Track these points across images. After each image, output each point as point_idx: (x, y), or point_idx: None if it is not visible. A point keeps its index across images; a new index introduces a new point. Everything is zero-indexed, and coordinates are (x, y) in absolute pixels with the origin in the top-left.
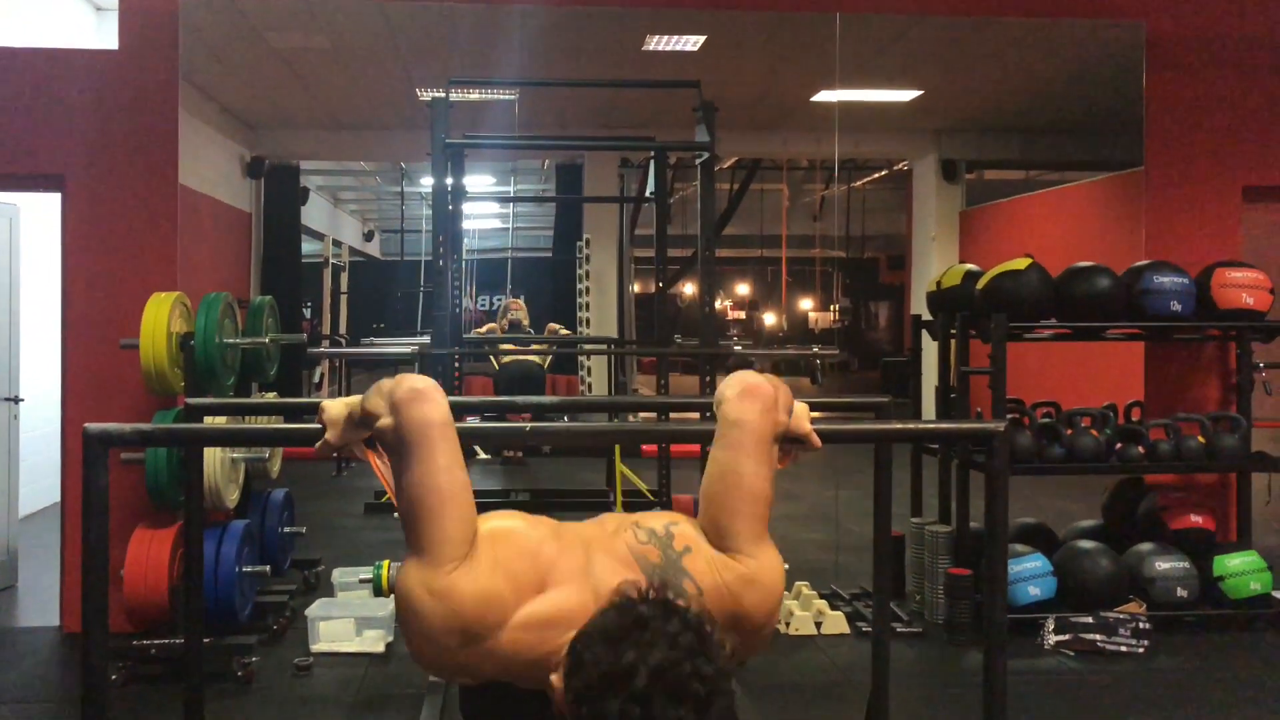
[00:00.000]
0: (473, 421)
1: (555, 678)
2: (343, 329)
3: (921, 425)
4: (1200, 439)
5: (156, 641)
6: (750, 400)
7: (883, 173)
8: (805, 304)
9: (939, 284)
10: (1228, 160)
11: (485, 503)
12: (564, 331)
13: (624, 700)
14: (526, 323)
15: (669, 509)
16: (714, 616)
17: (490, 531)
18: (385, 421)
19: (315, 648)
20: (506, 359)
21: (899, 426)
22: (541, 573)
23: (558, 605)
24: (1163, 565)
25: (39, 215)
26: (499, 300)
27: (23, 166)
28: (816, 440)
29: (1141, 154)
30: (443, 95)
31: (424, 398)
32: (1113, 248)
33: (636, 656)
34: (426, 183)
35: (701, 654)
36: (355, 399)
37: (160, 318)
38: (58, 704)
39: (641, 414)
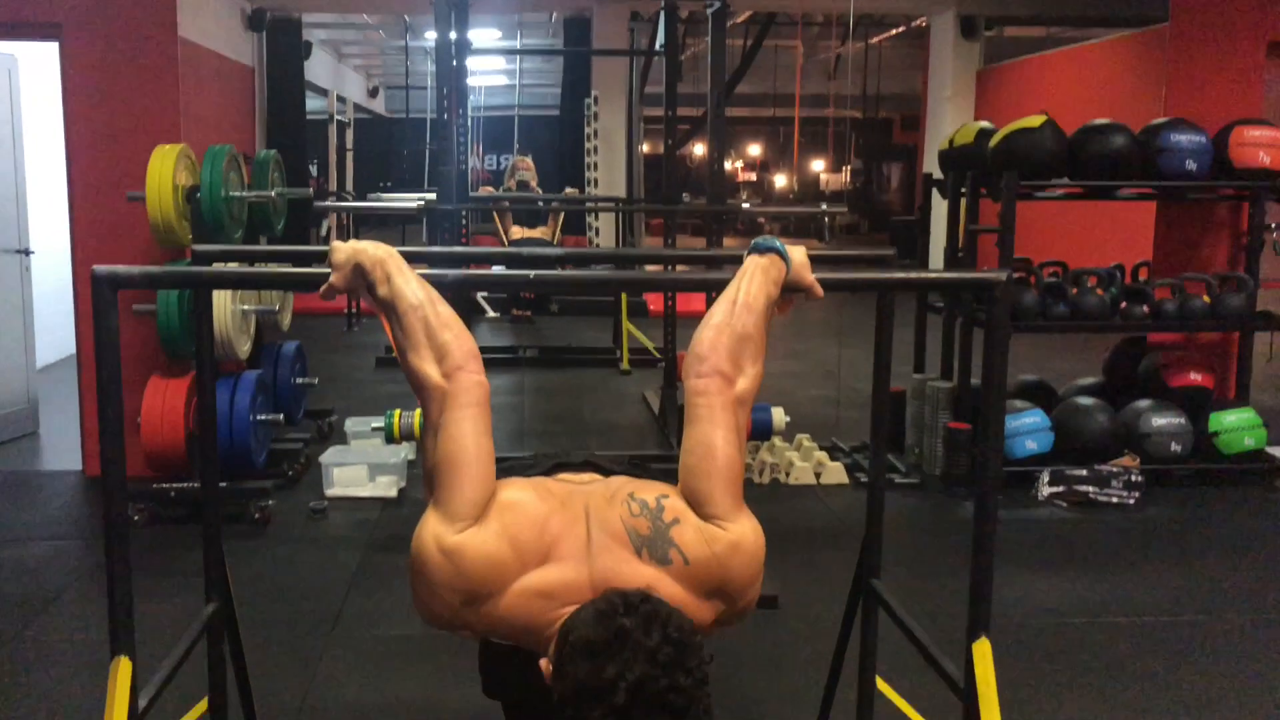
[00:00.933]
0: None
1: (545, 663)
2: (349, 186)
3: (923, 274)
4: (1205, 298)
5: (176, 485)
6: (709, 377)
7: (900, 29)
8: (817, 165)
9: (951, 142)
10: (1254, 14)
11: (495, 359)
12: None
13: (603, 713)
14: (535, 184)
15: (675, 367)
16: (696, 596)
17: (504, 500)
18: (435, 379)
19: (330, 492)
20: (515, 237)
21: (900, 275)
22: (546, 545)
23: (557, 579)
24: (1159, 421)
25: (37, 64)
26: (506, 159)
27: (18, 14)
28: (819, 290)
29: (1165, 10)
30: None
31: (475, 378)
32: (1133, 107)
33: (616, 673)
34: (431, 37)
35: (680, 667)
36: (367, 248)
37: (165, 170)
38: (84, 541)
39: (648, 267)
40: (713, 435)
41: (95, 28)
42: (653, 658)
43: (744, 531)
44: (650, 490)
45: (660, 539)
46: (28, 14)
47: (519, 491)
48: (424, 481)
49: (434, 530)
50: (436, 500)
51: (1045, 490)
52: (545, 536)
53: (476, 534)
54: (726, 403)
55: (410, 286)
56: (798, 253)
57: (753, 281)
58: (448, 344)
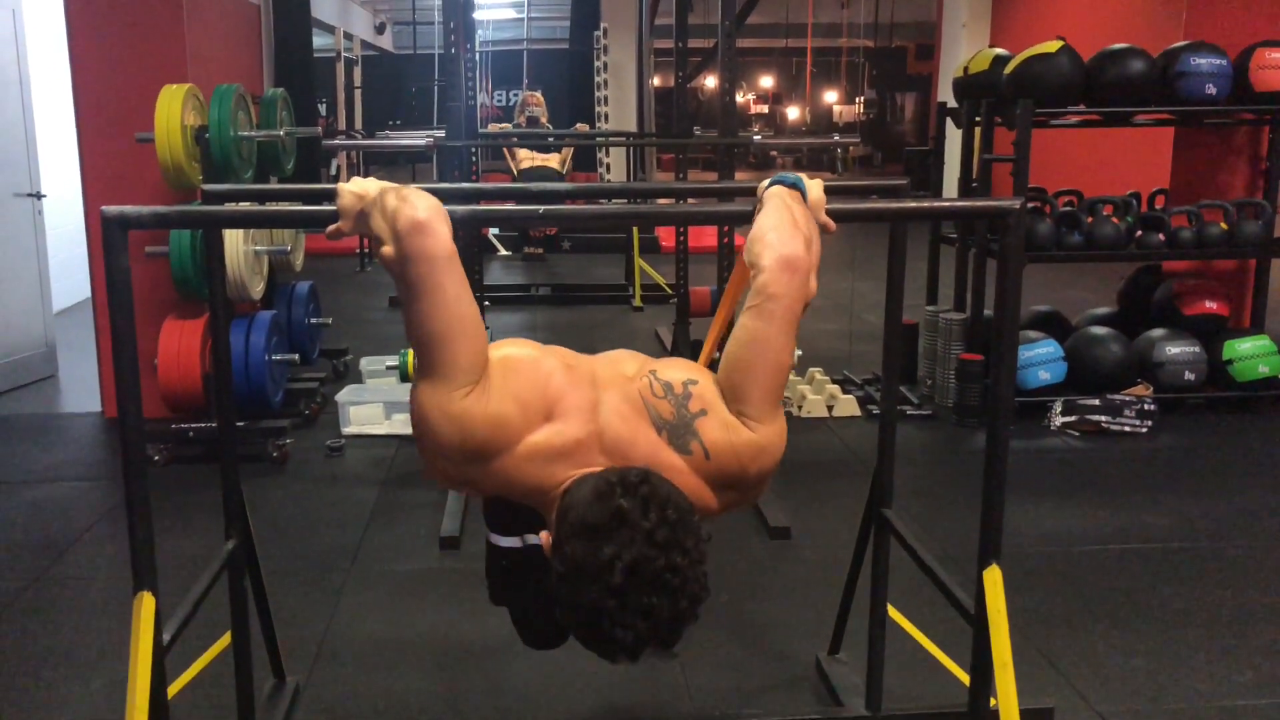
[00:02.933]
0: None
1: (545, 535)
2: (358, 125)
3: (935, 204)
4: (1223, 226)
5: (194, 425)
6: (790, 274)
7: None
8: (830, 97)
9: (966, 69)
10: None
11: (507, 297)
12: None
13: (600, 592)
14: (545, 119)
15: (687, 303)
16: (708, 487)
17: (502, 358)
18: (388, 250)
19: (346, 430)
20: (524, 164)
21: (912, 205)
22: (550, 403)
23: (562, 438)
24: (1173, 349)
25: (47, 8)
26: (516, 95)
27: None
28: (831, 224)
29: None
30: None
31: (425, 230)
32: (1153, 31)
33: (613, 553)
34: None
35: (677, 547)
36: (369, 187)
37: (173, 110)
38: (105, 481)
39: (659, 201)
40: (772, 335)
41: None
42: (650, 538)
43: (771, 435)
44: (675, 371)
45: (684, 428)
46: None
47: (517, 349)
48: (412, 349)
49: (435, 399)
50: (431, 369)
51: (1058, 420)
52: (549, 393)
53: (479, 397)
54: (797, 303)
55: (388, 196)
56: (815, 187)
57: (801, 208)
58: (397, 208)
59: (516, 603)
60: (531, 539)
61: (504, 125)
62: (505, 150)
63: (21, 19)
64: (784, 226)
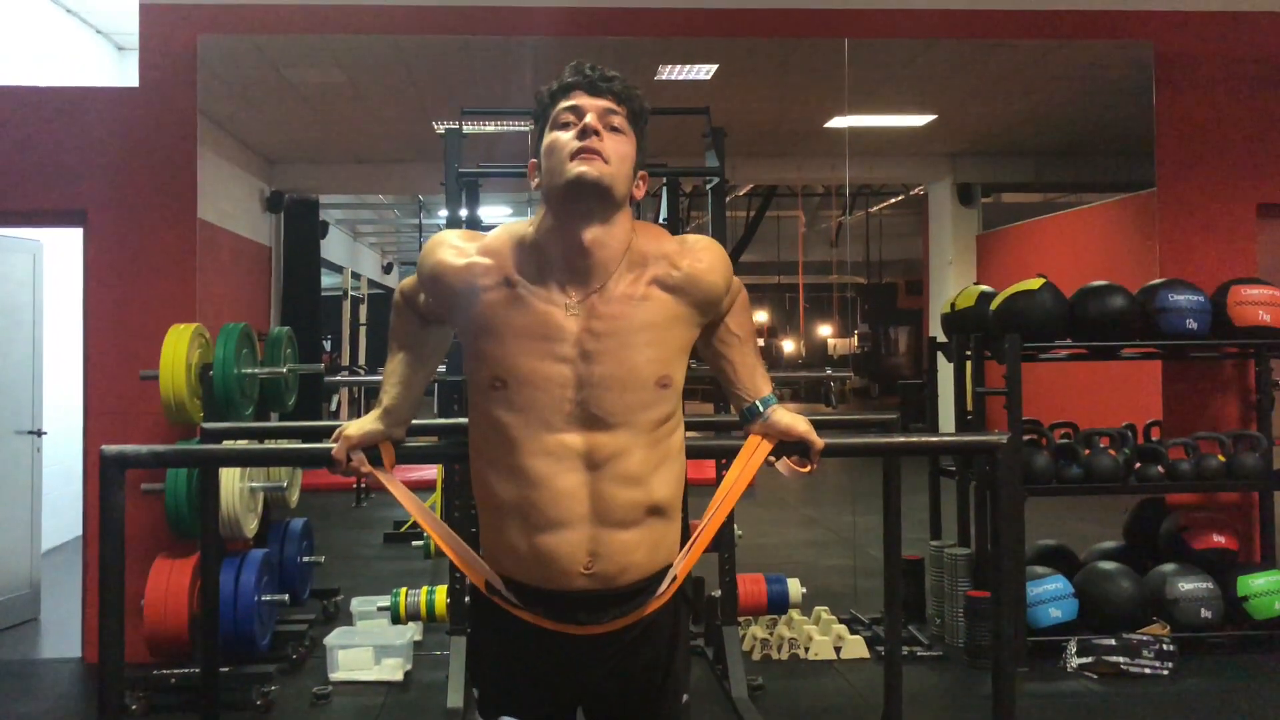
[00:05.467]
0: None
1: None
2: (361, 360)
3: (924, 439)
4: (1220, 458)
5: (176, 671)
6: (739, 287)
7: (899, 198)
8: (824, 330)
9: (953, 305)
10: (1242, 178)
11: None
12: None
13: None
14: None
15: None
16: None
17: None
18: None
19: (334, 676)
20: None
21: (902, 440)
22: None
23: None
24: (1186, 586)
25: (59, 249)
26: None
27: (47, 203)
28: (818, 440)
29: (1153, 175)
30: (456, 126)
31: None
32: (1130, 268)
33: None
34: (444, 215)
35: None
36: (350, 434)
37: (179, 348)
38: None
39: None
40: (746, 323)
41: (119, 214)
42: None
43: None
44: None
45: None
46: (55, 202)
47: None
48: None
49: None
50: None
51: (1074, 661)
52: None
53: None
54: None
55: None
56: (801, 424)
57: None
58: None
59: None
60: None
61: None
62: None
63: (41, 262)
64: None
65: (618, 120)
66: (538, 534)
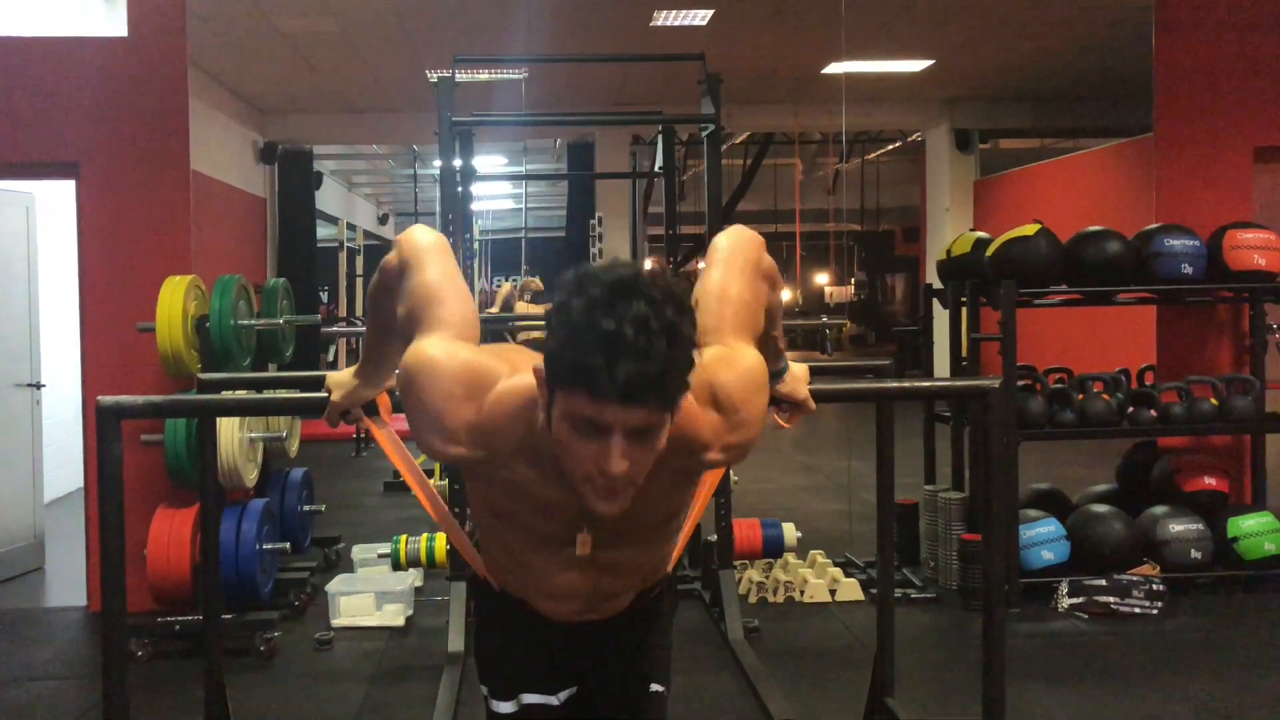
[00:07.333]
0: None
1: (536, 365)
2: (359, 311)
3: (919, 383)
4: (1213, 401)
5: (180, 619)
6: (738, 234)
7: (896, 145)
8: (821, 279)
9: (949, 252)
10: (1239, 122)
11: None
12: None
13: (587, 302)
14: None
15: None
16: (696, 402)
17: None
18: (390, 259)
19: (336, 622)
20: (521, 311)
21: (896, 385)
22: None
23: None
24: (1176, 527)
25: (54, 202)
26: (515, 280)
27: (38, 155)
28: (811, 404)
29: (1152, 119)
30: (448, 74)
31: (419, 232)
32: (1126, 213)
33: (602, 279)
34: (438, 164)
35: (673, 300)
36: (339, 381)
37: (175, 300)
38: (86, 680)
39: None
40: (729, 277)
41: (111, 165)
42: (639, 286)
43: (742, 351)
44: None
45: None
46: (47, 154)
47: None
48: (402, 323)
49: (429, 340)
50: (425, 324)
51: (1065, 601)
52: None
53: (474, 347)
54: (747, 251)
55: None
56: (798, 367)
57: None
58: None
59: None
60: (527, 699)
61: (509, 291)
62: (507, 335)
63: (35, 214)
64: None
65: (653, 429)
66: (537, 595)
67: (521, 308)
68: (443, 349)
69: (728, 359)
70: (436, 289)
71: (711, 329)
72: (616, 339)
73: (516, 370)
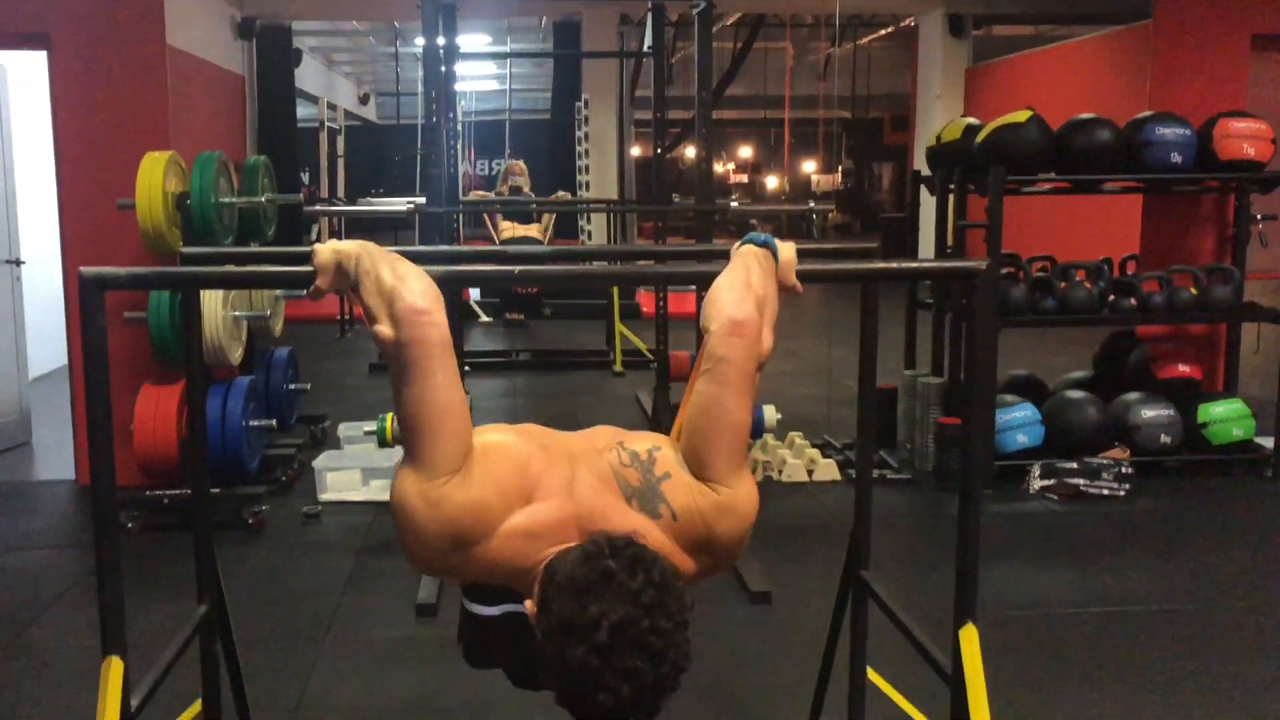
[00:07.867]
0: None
1: (529, 604)
2: (340, 193)
3: (903, 264)
4: (1193, 290)
5: (168, 492)
6: (738, 337)
7: (889, 29)
8: (808, 166)
9: (939, 138)
10: (1236, 8)
11: (489, 363)
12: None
13: (585, 650)
14: (527, 188)
15: (667, 368)
16: (681, 550)
17: (483, 445)
18: (385, 332)
19: (323, 497)
20: (506, 234)
21: (880, 266)
22: (529, 486)
23: (542, 518)
24: (1148, 413)
25: (31, 77)
26: (499, 164)
27: (7, 24)
28: (798, 286)
29: (1149, 6)
30: None
31: (425, 318)
32: (1119, 103)
33: (599, 612)
34: (420, 43)
35: (661, 609)
36: (346, 246)
37: (155, 177)
38: (78, 549)
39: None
40: (726, 398)
41: (83, 37)
42: (636, 599)
43: (737, 495)
44: (640, 441)
45: (650, 492)
46: (16, 24)
47: (498, 434)
48: (399, 428)
49: (417, 487)
50: (415, 457)
51: (1036, 483)
52: (527, 477)
53: (460, 485)
54: (748, 364)
55: (382, 270)
56: (786, 249)
57: (760, 268)
58: (394, 289)
59: (501, 663)
60: (510, 607)
61: (485, 194)
62: (486, 220)
63: (6, 87)
64: (736, 287)
65: None
66: None
67: (501, 229)
68: (423, 500)
69: (729, 509)
70: (436, 412)
71: (708, 459)
72: (617, 698)
73: (508, 499)
